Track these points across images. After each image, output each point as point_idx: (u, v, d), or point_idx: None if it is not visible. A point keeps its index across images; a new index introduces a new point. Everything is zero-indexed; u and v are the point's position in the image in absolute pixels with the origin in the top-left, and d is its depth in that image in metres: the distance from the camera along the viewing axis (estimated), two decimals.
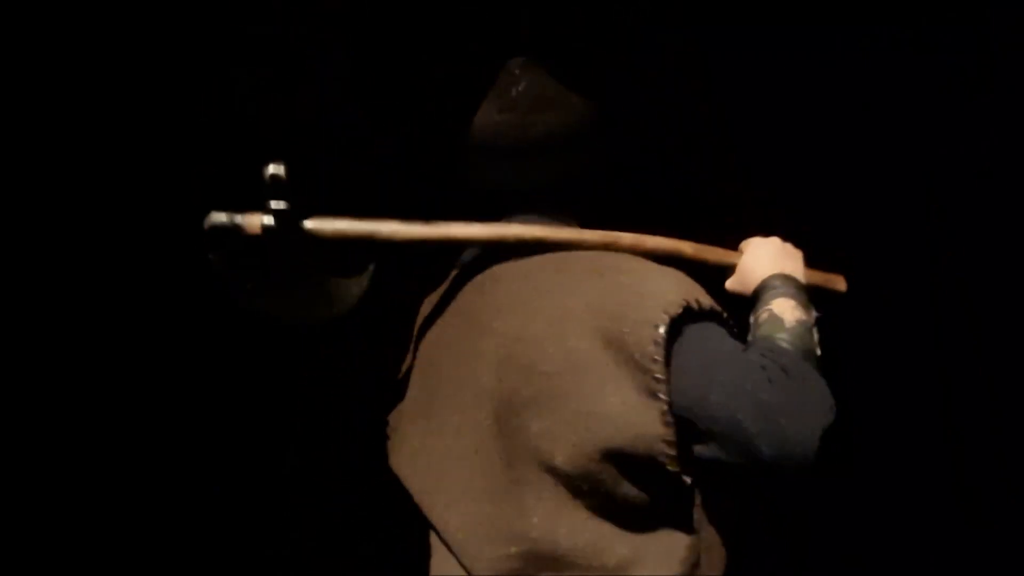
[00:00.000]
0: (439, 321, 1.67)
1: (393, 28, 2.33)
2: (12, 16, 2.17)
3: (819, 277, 1.77)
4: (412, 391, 1.69)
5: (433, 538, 1.65)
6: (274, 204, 1.49)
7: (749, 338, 1.53)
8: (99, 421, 2.36)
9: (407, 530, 1.72)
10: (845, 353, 1.94)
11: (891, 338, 2.48)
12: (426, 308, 1.73)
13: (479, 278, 1.62)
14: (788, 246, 1.70)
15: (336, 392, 2.46)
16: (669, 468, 1.43)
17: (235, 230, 1.50)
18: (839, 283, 1.81)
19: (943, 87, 2.41)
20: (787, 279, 1.60)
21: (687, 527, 1.51)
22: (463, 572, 1.56)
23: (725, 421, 1.37)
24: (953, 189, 2.45)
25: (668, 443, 1.41)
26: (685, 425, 1.42)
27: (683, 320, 1.43)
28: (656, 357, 1.40)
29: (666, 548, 1.49)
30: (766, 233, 1.73)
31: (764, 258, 1.66)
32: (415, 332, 1.72)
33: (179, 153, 2.28)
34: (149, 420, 2.39)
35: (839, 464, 2.48)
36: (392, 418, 1.73)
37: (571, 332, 1.46)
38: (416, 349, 1.70)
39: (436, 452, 1.60)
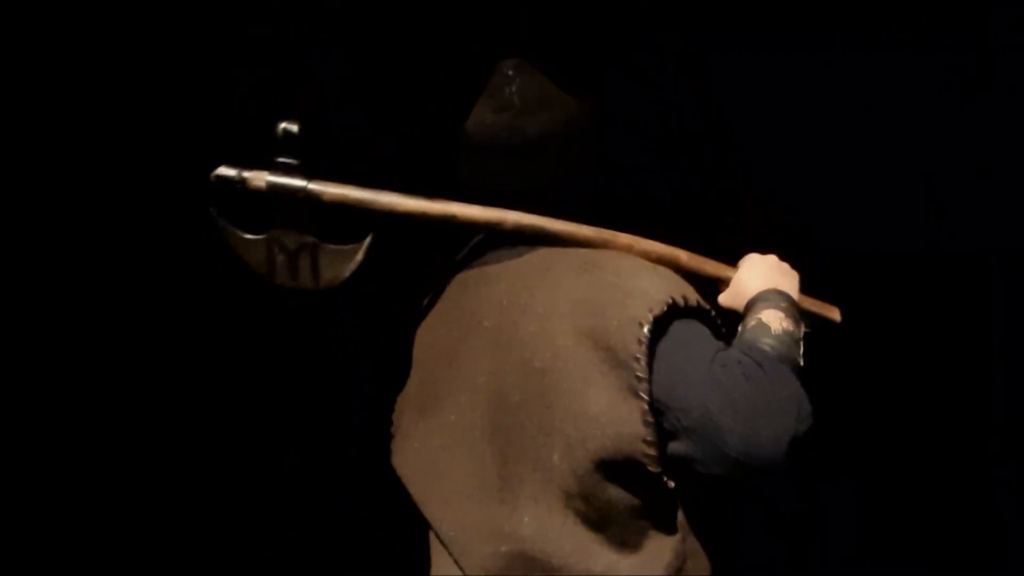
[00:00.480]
0: (435, 322, 1.68)
1: (393, 28, 2.33)
2: (12, 16, 2.17)
3: (814, 304, 1.76)
4: (411, 392, 1.69)
5: (433, 538, 1.65)
6: (282, 159, 1.52)
7: (734, 342, 1.53)
8: (99, 421, 2.36)
9: (407, 530, 1.72)
10: (842, 351, 1.94)
11: (890, 337, 2.48)
12: (422, 309, 1.73)
13: (472, 279, 1.63)
14: (785, 265, 1.70)
15: (336, 390, 2.46)
16: (651, 469, 1.43)
17: (240, 183, 1.52)
18: (834, 313, 1.80)
19: (943, 87, 2.41)
20: (780, 293, 1.61)
21: (673, 531, 1.51)
22: (461, 572, 1.56)
23: (697, 413, 1.37)
24: (953, 189, 2.45)
25: (648, 443, 1.41)
26: (661, 420, 1.42)
27: (668, 318, 1.44)
28: (639, 355, 1.41)
29: (652, 552, 1.49)
30: (770, 243, 1.72)
31: (759, 274, 1.66)
32: (412, 333, 1.73)
33: (179, 153, 2.28)
34: (149, 420, 2.39)
35: (837, 465, 2.49)
36: (395, 418, 1.73)
37: (559, 330, 1.47)
38: (414, 350, 1.70)
39: (433, 451, 1.61)
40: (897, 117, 2.43)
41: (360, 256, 1.58)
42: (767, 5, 2.38)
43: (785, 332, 1.52)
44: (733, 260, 1.72)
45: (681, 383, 1.40)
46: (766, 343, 1.49)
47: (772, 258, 1.70)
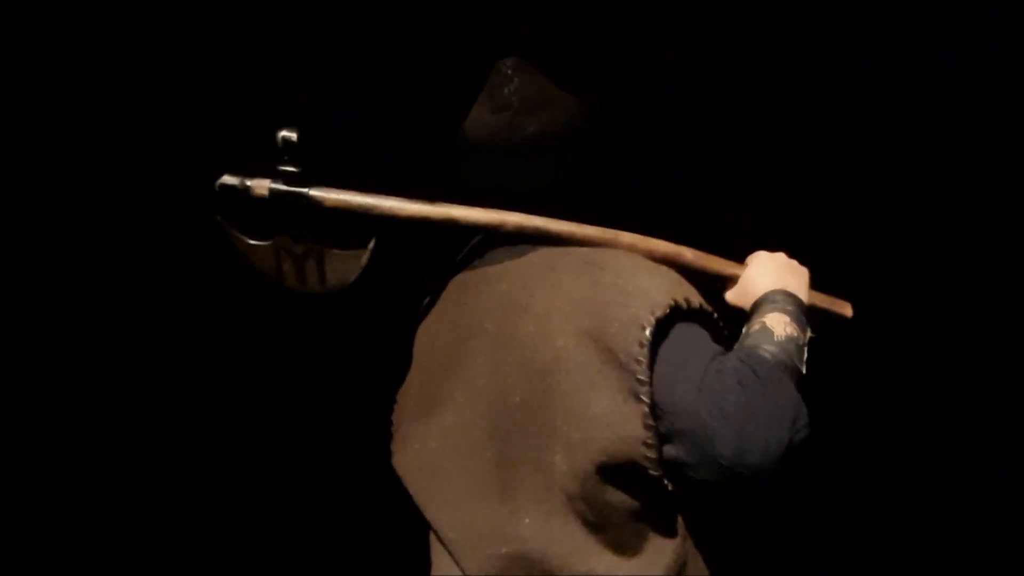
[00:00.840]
0: (435, 323, 1.67)
1: (393, 28, 2.33)
2: (12, 16, 2.17)
3: (825, 300, 1.74)
4: (411, 392, 1.69)
5: (433, 538, 1.65)
6: (283, 167, 1.53)
7: (735, 346, 1.52)
8: (99, 421, 2.36)
9: (407, 530, 1.72)
10: (842, 351, 1.94)
11: (890, 337, 2.48)
12: (422, 310, 1.73)
13: (472, 279, 1.62)
14: (794, 263, 1.67)
15: (336, 390, 2.46)
16: (651, 472, 1.42)
17: (244, 191, 1.54)
18: (845, 308, 1.78)
19: (943, 87, 2.41)
20: (788, 295, 1.58)
21: (673, 533, 1.51)
22: (461, 573, 1.56)
23: (689, 418, 1.37)
24: (953, 189, 2.45)
25: (649, 445, 1.40)
26: (659, 423, 1.41)
27: (670, 320, 1.43)
28: (640, 358, 1.40)
29: (652, 554, 1.49)
30: (770, 243, 1.71)
31: (768, 273, 1.64)
32: (413, 334, 1.72)
33: (179, 153, 2.28)
34: (149, 420, 2.40)
35: (837, 465, 2.50)
36: (395, 419, 1.73)
37: (559, 331, 1.46)
38: (415, 351, 1.70)
39: (433, 452, 1.60)
40: (897, 117, 2.43)
41: (364, 260, 1.59)
42: (767, 5, 2.38)
43: (788, 338, 1.50)
44: (733, 261, 1.71)
45: (676, 387, 1.39)
46: (767, 350, 1.47)
47: (781, 256, 1.68)
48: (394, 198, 1.57)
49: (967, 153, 2.44)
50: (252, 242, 1.59)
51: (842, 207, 2.46)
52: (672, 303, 1.42)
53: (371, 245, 1.58)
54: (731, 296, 1.66)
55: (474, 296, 1.60)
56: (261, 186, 1.55)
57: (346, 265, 1.59)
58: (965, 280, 2.49)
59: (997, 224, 2.45)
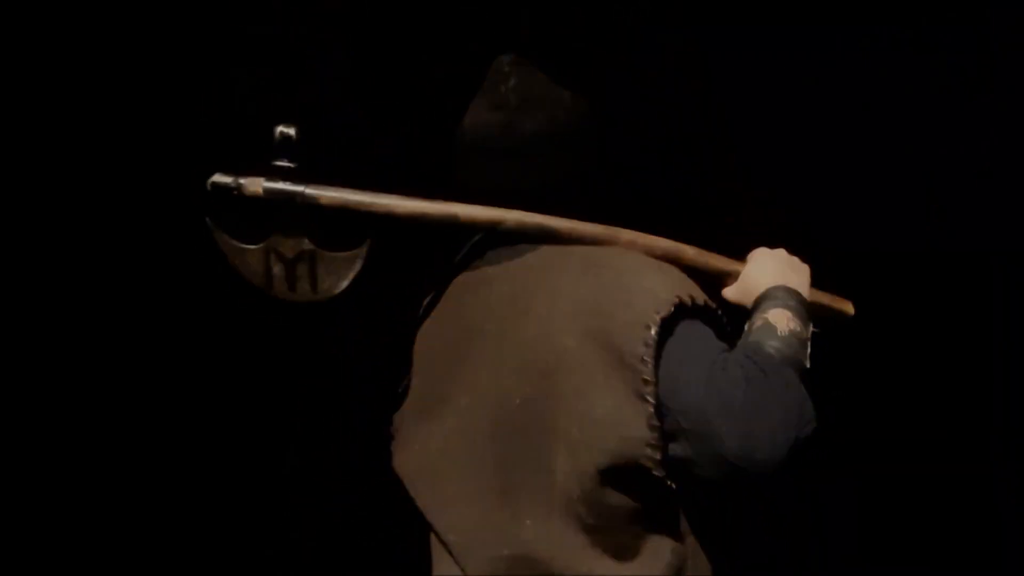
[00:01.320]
0: (436, 324, 1.67)
1: (392, 28, 2.34)
2: (12, 16, 2.17)
3: (825, 298, 1.74)
4: (412, 394, 1.68)
5: (434, 539, 1.65)
6: (279, 163, 1.51)
7: (739, 343, 1.51)
8: (99, 421, 2.36)
9: (407, 530, 1.72)
10: (842, 351, 1.94)
11: (890, 337, 2.48)
12: (422, 311, 1.72)
13: (473, 280, 1.61)
14: (795, 260, 1.67)
15: (337, 391, 2.46)
16: (654, 473, 1.41)
17: (237, 189, 1.51)
18: (847, 307, 1.78)
19: (943, 87, 2.41)
20: (789, 291, 1.58)
21: (673, 532, 1.50)
22: (462, 574, 1.56)
23: (695, 416, 1.36)
24: (953, 189, 2.45)
25: (653, 447, 1.40)
26: (663, 422, 1.41)
27: (675, 319, 1.42)
28: (646, 358, 1.39)
29: (652, 554, 1.48)
30: (770, 243, 1.70)
31: (768, 270, 1.63)
32: (413, 335, 1.72)
33: (179, 153, 2.28)
34: (149, 420, 2.40)
35: (837, 465, 2.49)
36: (396, 420, 1.72)
37: (562, 331, 1.45)
38: (415, 352, 1.70)
39: (434, 454, 1.60)
40: (897, 117, 2.43)
41: (359, 264, 1.56)
42: (767, 5, 2.38)
43: (792, 333, 1.50)
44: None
45: (682, 385, 1.38)
46: (771, 346, 1.47)
47: (781, 252, 1.67)
48: (392, 195, 1.55)
49: (967, 153, 2.44)
50: (241, 245, 1.56)
51: (842, 207, 2.46)
52: (676, 301, 1.42)
53: (365, 249, 1.56)
54: (732, 293, 1.66)
55: (474, 297, 1.60)
56: (255, 184, 1.52)
57: (339, 269, 1.56)
58: (965, 280, 2.49)
59: (997, 224, 2.45)
